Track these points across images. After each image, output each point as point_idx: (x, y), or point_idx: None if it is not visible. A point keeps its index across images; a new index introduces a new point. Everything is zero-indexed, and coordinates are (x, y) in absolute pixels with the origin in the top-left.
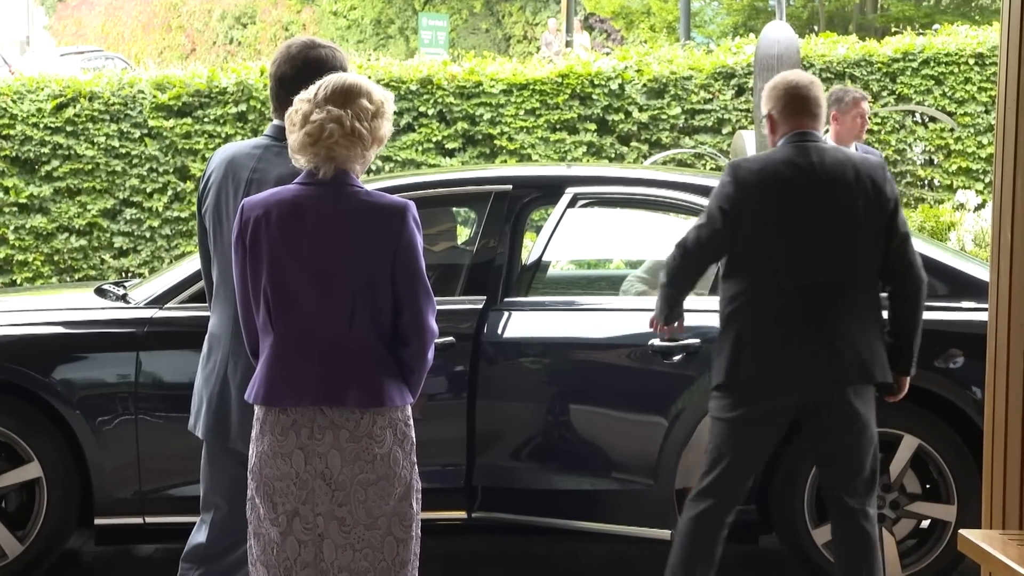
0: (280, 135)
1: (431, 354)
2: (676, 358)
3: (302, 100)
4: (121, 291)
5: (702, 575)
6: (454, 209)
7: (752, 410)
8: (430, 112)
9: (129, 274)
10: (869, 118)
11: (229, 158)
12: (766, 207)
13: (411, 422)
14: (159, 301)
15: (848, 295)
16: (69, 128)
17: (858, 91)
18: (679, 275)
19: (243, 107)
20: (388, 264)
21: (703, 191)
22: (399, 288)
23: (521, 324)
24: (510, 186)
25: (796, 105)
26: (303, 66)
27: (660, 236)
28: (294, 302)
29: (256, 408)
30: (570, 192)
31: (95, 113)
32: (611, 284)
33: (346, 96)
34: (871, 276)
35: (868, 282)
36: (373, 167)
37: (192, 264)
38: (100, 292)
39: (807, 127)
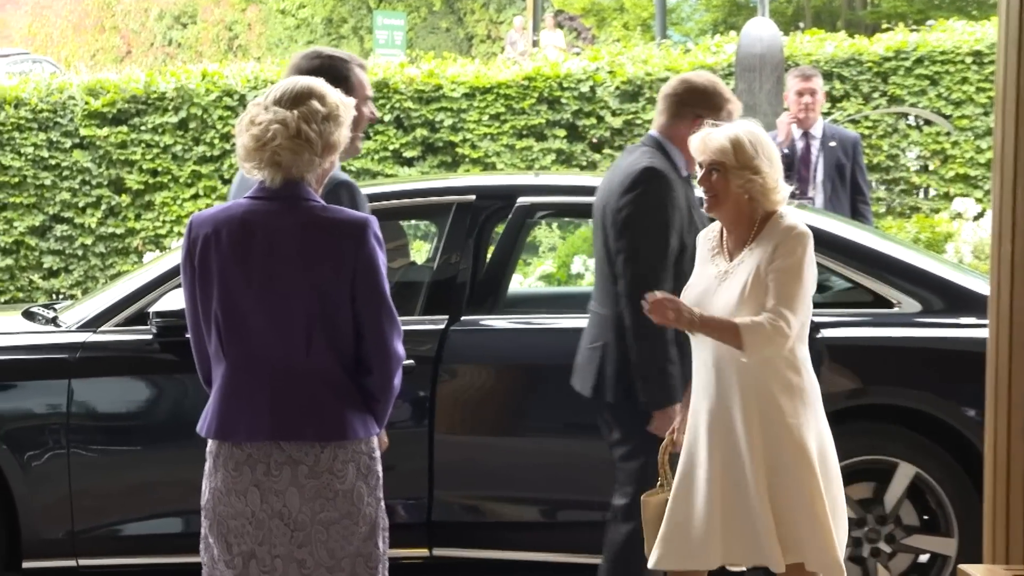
0: None
1: (398, 381)
2: None
3: (253, 104)
4: (51, 313)
5: None
6: (414, 222)
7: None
8: (387, 118)
9: (60, 296)
10: (832, 107)
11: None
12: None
13: (376, 455)
14: (93, 324)
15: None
16: None
17: (802, 68)
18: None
19: (183, 114)
20: (347, 285)
21: None
22: (360, 311)
23: (485, 345)
24: (473, 196)
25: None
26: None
27: None
28: (246, 328)
29: (209, 442)
30: (526, 201)
31: (21, 121)
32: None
33: (295, 98)
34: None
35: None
36: None
37: (129, 284)
38: (28, 315)
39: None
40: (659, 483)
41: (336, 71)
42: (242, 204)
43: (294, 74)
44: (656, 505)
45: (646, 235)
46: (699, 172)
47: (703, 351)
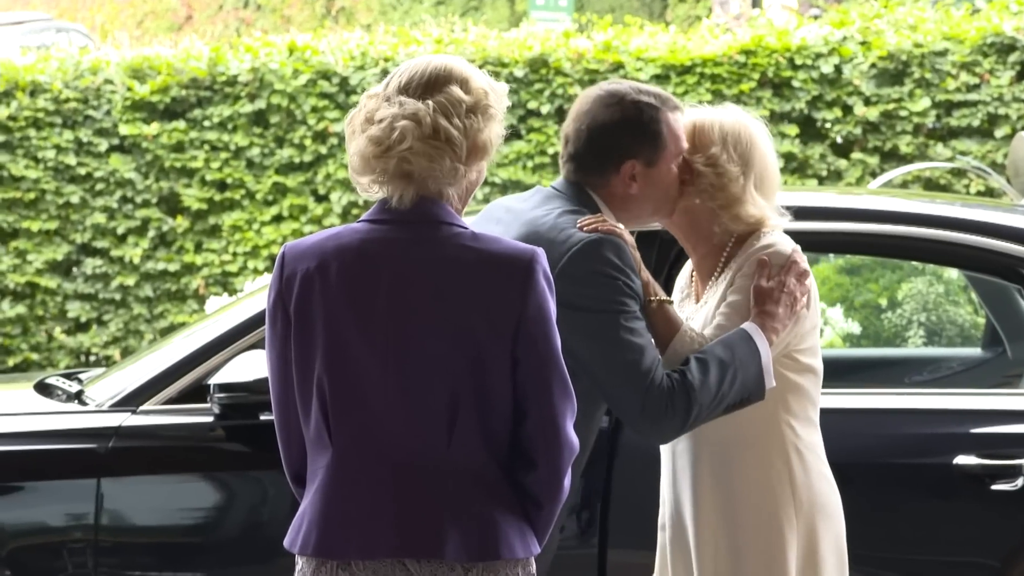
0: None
1: (568, 480)
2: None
3: (370, 96)
4: (75, 386)
5: None
6: None
7: None
8: (544, 109)
9: (89, 359)
10: None
11: None
12: None
13: None
14: (132, 400)
15: None
16: (0, 137)
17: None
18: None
19: (262, 104)
20: (507, 344)
21: (969, 227)
22: (523, 380)
23: None
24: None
25: None
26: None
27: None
28: (364, 403)
29: (298, 560)
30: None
31: (39, 115)
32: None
33: (429, 84)
34: None
35: None
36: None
37: (184, 344)
38: (43, 388)
39: None
40: None
41: (643, 124)
42: (358, 230)
43: (589, 121)
44: None
45: None
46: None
47: None
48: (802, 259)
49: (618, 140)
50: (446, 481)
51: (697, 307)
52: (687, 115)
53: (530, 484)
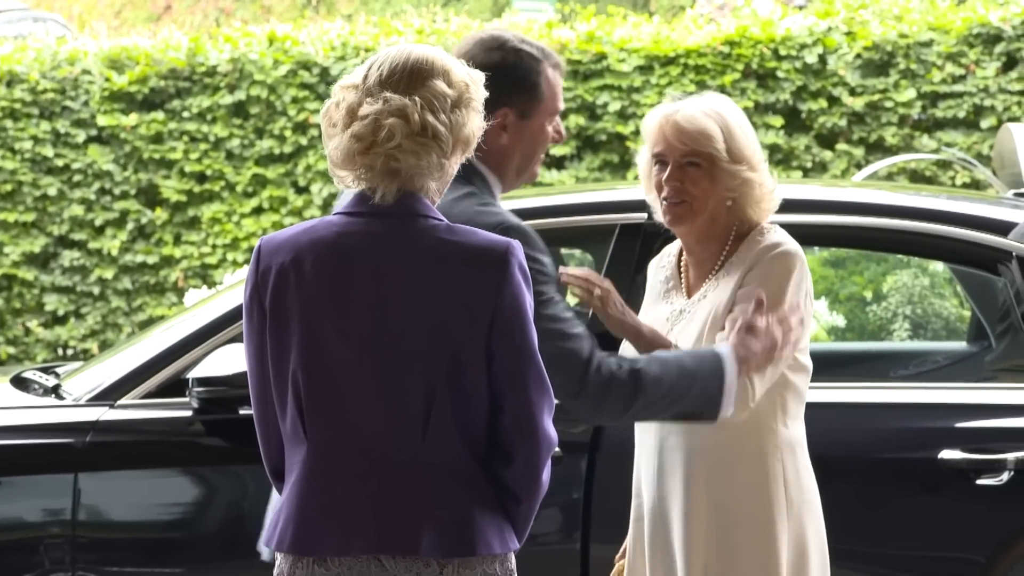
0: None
1: (547, 475)
2: None
3: (346, 87)
4: (51, 380)
5: None
6: (563, 251)
7: None
8: None
9: (66, 351)
10: None
11: None
12: None
13: None
14: (110, 395)
15: None
16: None
17: None
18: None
19: (241, 95)
20: (482, 337)
21: (954, 220)
22: (499, 374)
23: None
24: (645, 215)
25: None
26: None
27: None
28: (339, 397)
29: (278, 558)
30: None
31: (16, 105)
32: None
33: (412, 77)
34: None
35: None
36: None
37: (163, 337)
38: (19, 382)
39: None
40: None
41: (522, 72)
42: (333, 223)
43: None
44: None
45: None
46: (656, 168)
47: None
48: (796, 318)
49: (499, 83)
50: (423, 476)
51: (691, 301)
52: (690, 116)
53: (508, 479)
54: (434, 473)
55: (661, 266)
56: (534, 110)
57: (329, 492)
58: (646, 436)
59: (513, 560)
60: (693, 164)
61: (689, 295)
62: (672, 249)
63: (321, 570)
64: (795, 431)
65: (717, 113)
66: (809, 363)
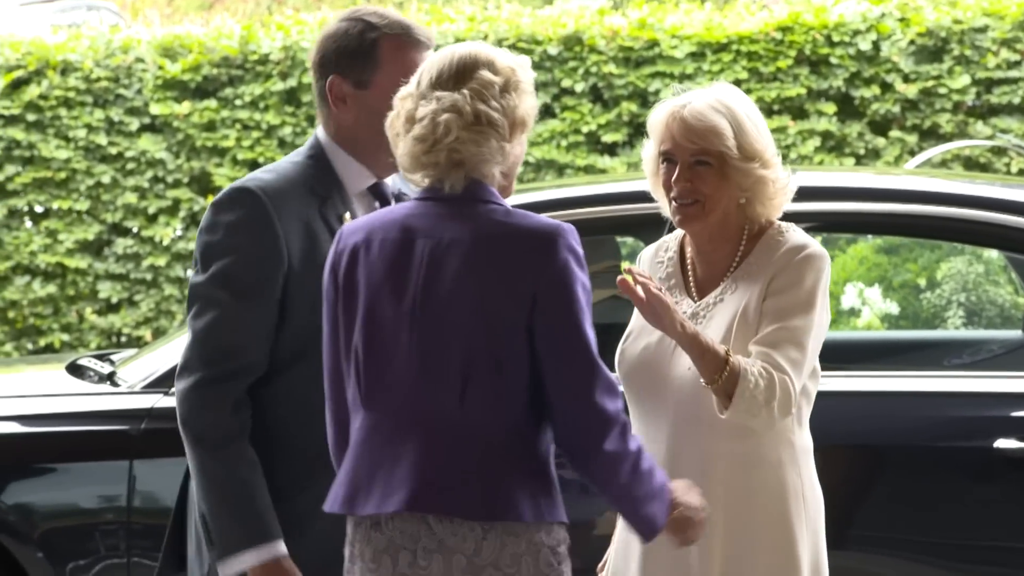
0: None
1: (613, 445)
2: None
3: (402, 97)
4: (107, 367)
5: None
6: (619, 239)
7: None
8: (579, 88)
9: (121, 339)
10: None
11: None
12: None
13: (563, 550)
14: (164, 382)
15: None
16: (30, 117)
17: None
18: None
19: (293, 83)
20: (523, 315)
21: (1009, 207)
22: (543, 351)
23: None
24: None
25: None
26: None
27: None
28: (391, 366)
29: (348, 524)
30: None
31: (70, 94)
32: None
33: (459, 73)
34: None
35: None
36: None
37: None
38: (74, 369)
39: None
40: None
41: (352, 39)
42: (404, 207)
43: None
44: None
45: None
46: (663, 166)
47: (658, 420)
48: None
49: (327, 50)
50: (462, 443)
51: (703, 303)
52: (698, 112)
53: (572, 459)
54: (472, 441)
55: (658, 262)
56: (370, 79)
57: (377, 455)
58: (652, 445)
59: (563, 533)
60: (703, 163)
61: (699, 296)
62: (670, 244)
63: (376, 534)
64: (806, 439)
65: (726, 107)
66: (819, 367)
